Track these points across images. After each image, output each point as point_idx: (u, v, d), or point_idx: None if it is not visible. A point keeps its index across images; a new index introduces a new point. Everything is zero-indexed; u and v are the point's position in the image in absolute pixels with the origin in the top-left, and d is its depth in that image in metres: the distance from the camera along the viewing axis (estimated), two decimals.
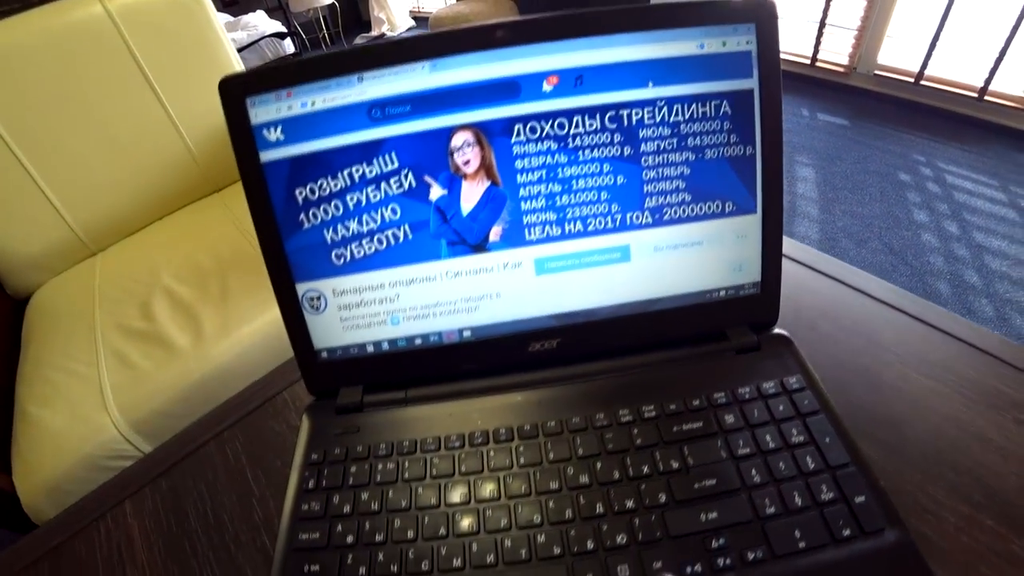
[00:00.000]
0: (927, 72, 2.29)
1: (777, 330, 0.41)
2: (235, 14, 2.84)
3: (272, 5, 3.20)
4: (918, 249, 1.65)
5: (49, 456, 0.82)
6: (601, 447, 0.34)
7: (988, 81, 2.12)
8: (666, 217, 0.38)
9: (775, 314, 0.40)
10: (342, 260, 0.38)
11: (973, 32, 2.16)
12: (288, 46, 2.66)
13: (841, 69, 2.53)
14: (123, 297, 1.04)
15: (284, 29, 2.48)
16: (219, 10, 1.23)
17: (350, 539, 0.32)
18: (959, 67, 2.22)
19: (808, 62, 2.60)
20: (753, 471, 0.32)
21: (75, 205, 1.13)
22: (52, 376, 0.92)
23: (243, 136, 0.35)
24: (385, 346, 0.40)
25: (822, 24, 2.49)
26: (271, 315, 0.95)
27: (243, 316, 0.95)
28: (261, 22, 2.50)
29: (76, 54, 1.08)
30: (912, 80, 2.33)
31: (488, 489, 0.33)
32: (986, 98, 2.16)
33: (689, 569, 0.29)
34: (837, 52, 2.53)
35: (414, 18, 4.21)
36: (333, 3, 3.31)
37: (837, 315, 0.45)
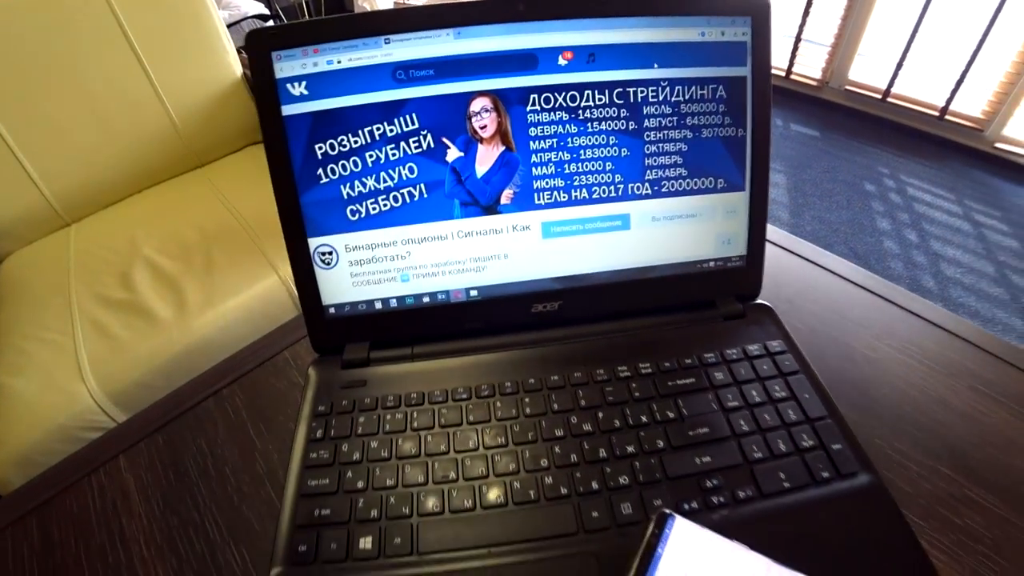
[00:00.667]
0: (894, 90, 2.39)
1: (760, 300, 0.44)
2: None
3: None
4: (880, 254, 1.73)
5: (20, 425, 0.79)
6: (602, 398, 0.37)
7: (949, 101, 2.24)
8: (664, 189, 0.40)
9: (759, 286, 0.44)
10: (357, 216, 0.39)
11: (937, 54, 2.28)
12: None
13: (814, 83, 2.63)
14: (100, 267, 1.01)
15: (267, 11, 2.44)
16: None
17: (360, 484, 0.34)
18: (923, 86, 2.34)
19: (783, 74, 2.69)
20: (741, 421, 0.35)
21: (50, 174, 1.10)
22: (24, 345, 0.89)
23: (267, 89, 0.36)
24: (393, 303, 0.41)
25: (797, 39, 2.58)
26: (258, 289, 0.95)
27: (228, 289, 0.93)
28: (243, 2, 2.45)
29: (60, 18, 1.05)
30: (880, 96, 2.43)
31: (496, 436, 0.35)
32: (947, 117, 2.27)
33: (687, 506, 0.31)
34: (811, 66, 2.62)
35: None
36: None
37: (812, 292, 0.49)
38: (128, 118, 1.16)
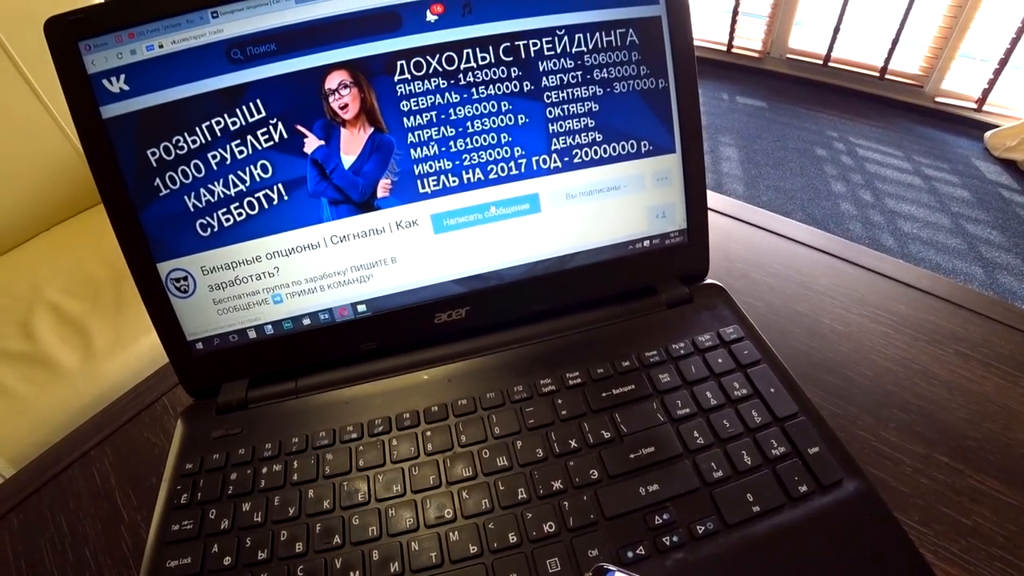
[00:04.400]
0: (833, 54, 2.41)
1: (709, 280, 0.37)
2: None
3: None
4: (838, 217, 1.71)
5: None
6: (521, 423, 0.29)
7: (887, 60, 2.26)
8: (576, 160, 0.34)
9: (705, 263, 0.37)
10: (209, 231, 0.31)
11: (872, 16, 2.30)
12: None
13: (756, 54, 2.63)
14: None
15: None
16: None
17: (227, 560, 0.27)
18: (862, 49, 2.36)
19: (725, 49, 2.69)
20: (695, 433, 0.28)
21: None
22: None
23: (78, 88, 0.29)
24: (269, 329, 0.34)
25: (735, 12, 2.58)
26: None
27: (139, 326, 0.85)
28: None
29: None
30: (821, 62, 2.44)
31: (390, 486, 0.28)
32: (887, 76, 2.29)
33: (631, 553, 0.24)
34: (751, 39, 2.62)
35: None
36: None
37: (768, 263, 0.43)
38: (25, 151, 1.06)
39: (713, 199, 0.48)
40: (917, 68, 2.22)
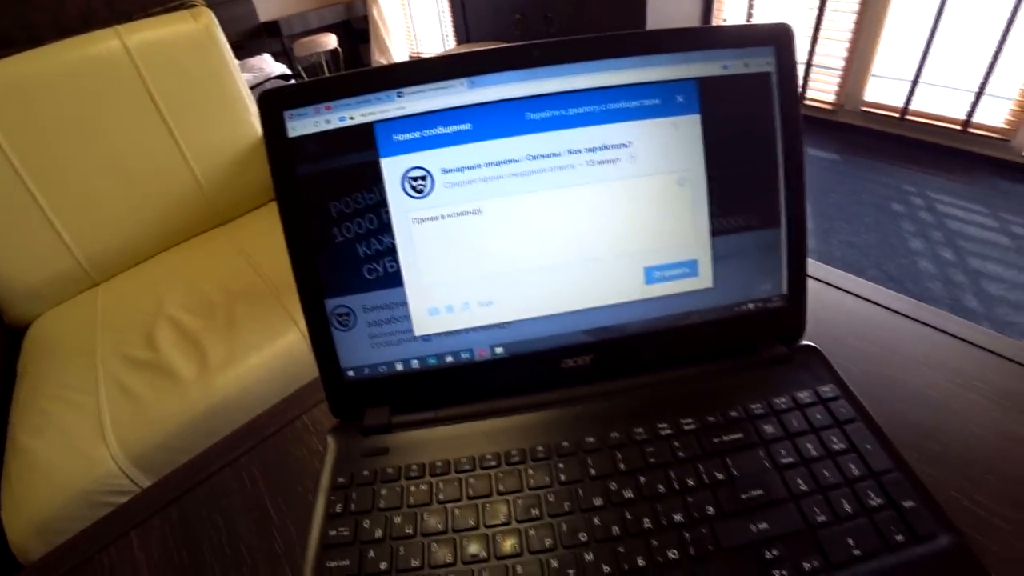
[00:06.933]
0: (911, 107, 2.36)
1: (804, 342, 0.41)
2: (241, 57, 2.92)
3: (277, 50, 3.29)
4: (916, 276, 1.66)
5: (41, 490, 0.78)
6: (643, 461, 0.34)
7: (970, 113, 2.20)
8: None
9: (802, 325, 0.41)
10: (374, 275, 0.38)
11: (953, 67, 2.25)
12: None
13: (829, 106, 2.61)
14: (126, 326, 1.03)
15: (289, 72, 2.54)
16: None
17: (383, 565, 0.31)
18: (942, 101, 2.30)
19: None
20: (798, 479, 0.32)
21: (82, 236, 1.13)
22: (47, 406, 0.89)
23: (280, 150, 0.36)
24: (415, 364, 0.39)
25: (808, 64, 2.59)
26: (279, 346, 0.94)
27: (250, 346, 0.93)
28: (267, 65, 2.56)
29: (92, 87, 1.11)
30: (898, 115, 2.40)
31: (529, 509, 0.32)
32: (969, 130, 2.22)
33: None
34: (824, 91, 2.61)
35: None
36: (336, 48, 3.40)
37: (861, 329, 0.45)
38: (156, 181, 1.20)
39: (809, 265, 0.51)
40: (1003, 121, 2.14)
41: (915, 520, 0.29)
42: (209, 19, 1.23)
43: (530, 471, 0.34)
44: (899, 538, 0.29)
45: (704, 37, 0.36)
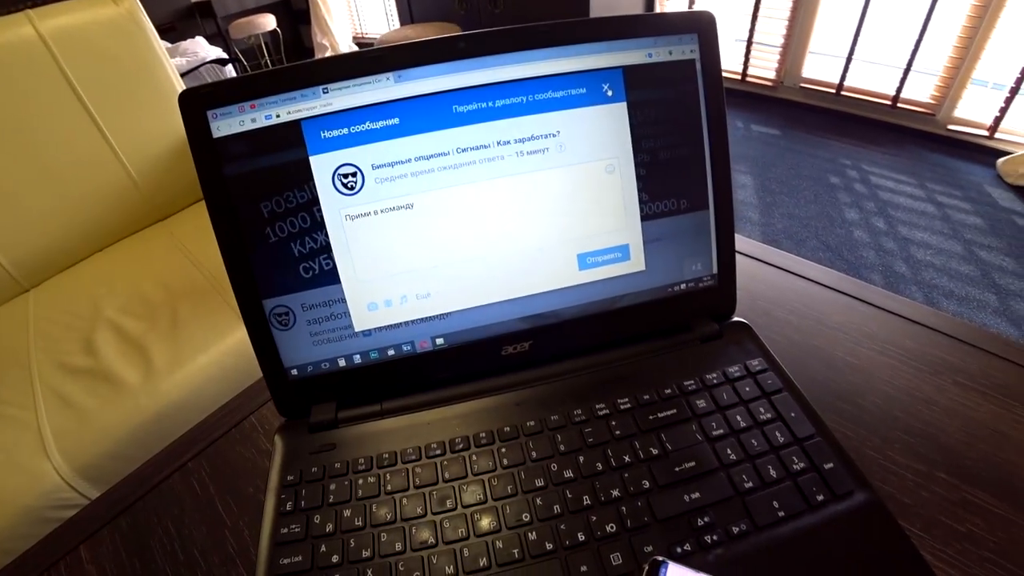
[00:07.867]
0: (846, 83, 2.46)
1: (736, 318, 0.43)
2: (172, 40, 2.77)
3: (211, 32, 3.14)
4: (852, 245, 1.76)
5: None
6: (582, 441, 0.35)
7: (899, 89, 2.31)
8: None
9: (733, 303, 0.43)
10: (310, 274, 0.37)
11: (884, 45, 2.35)
12: (230, 72, 2.61)
13: (770, 83, 2.69)
14: (62, 334, 0.98)
15: (225, 55, 2.43)
16: None
17: (335, 559, 0.31)
18: (874, 77, 2.41)
19: (739, 77, 2.76)
20: (728, 450, 0.34)
21: (5, 239, 1.06)
22: None
23: (205, 150, 0.35)
24: (357, 359, 0.39)
25: (749, 41, 2.65)
26: (226, 344, 0.92)
27: (196, 347, 0.91)
28: (201, 48, 2.44)
29: (4, 77, 1.03)
30: (834, 91, 2.50)
31: (474, 493, 0.33)
32: (899, 105, 2.34)
33: (679, 549, 0.30)
34: (765, 68, 2.69)
35: (357, 44, 4.21)
36: (275, 30, 3.27)
37: (787, 301, 0.48)
38: (84, 177, 1.14)
39: (738, 241, 0.54)
40: (929, 96, 2.27)
41: (834, 481, 0.32)
42: (132, 2, 1.16)
43: (474, 457, 0.35)
44: (820, 498, 0.31)
45: (627, 26, 0.37)
